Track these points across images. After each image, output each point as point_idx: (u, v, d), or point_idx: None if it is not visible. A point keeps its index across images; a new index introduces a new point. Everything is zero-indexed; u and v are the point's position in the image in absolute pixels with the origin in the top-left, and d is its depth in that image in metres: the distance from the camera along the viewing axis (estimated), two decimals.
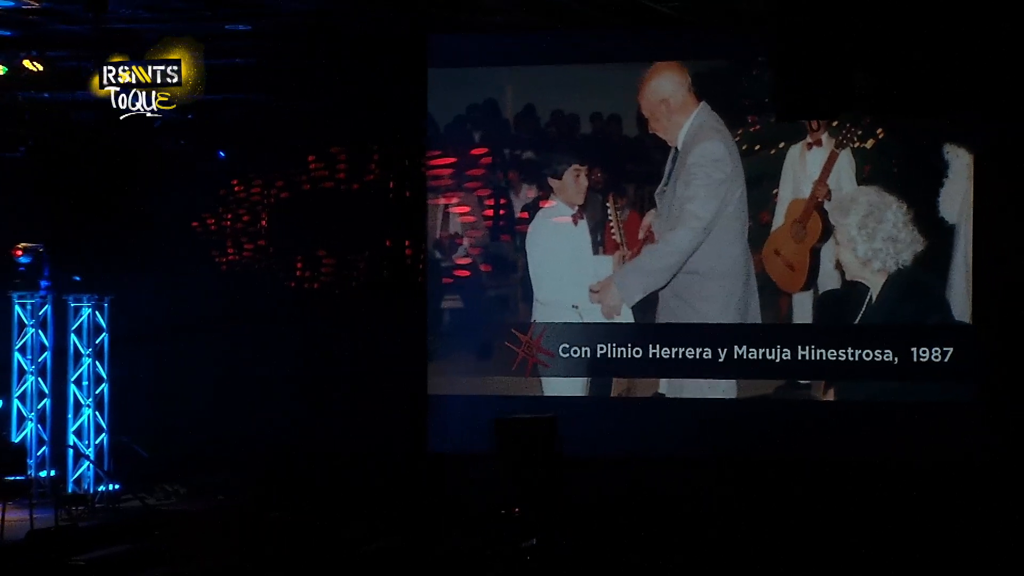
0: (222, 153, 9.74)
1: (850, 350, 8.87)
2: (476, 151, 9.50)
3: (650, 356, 9.15)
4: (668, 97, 9.14)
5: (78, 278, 9.21)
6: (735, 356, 9.03)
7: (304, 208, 9.67)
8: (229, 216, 9.84)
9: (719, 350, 9.04)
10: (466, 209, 9.52)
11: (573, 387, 9.29)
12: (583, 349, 9.26)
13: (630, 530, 7.83)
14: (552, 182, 9.41)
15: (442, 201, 9.53)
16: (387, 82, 9.26)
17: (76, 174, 9.38)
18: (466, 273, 9.53)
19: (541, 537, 7.46)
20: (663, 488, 8.60)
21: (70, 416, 9.16)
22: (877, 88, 6.27)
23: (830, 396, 8.98)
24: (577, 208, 9.36)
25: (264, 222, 9.80)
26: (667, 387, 9.20)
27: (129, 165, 9.55)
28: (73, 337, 9.17)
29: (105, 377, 9.22)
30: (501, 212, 9.48)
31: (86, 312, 9.18)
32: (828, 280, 8.95)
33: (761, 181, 9.03)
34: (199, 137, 9.56)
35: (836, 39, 5.98)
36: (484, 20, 8.96)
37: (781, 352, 8.98)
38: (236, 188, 9.81)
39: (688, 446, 8.95)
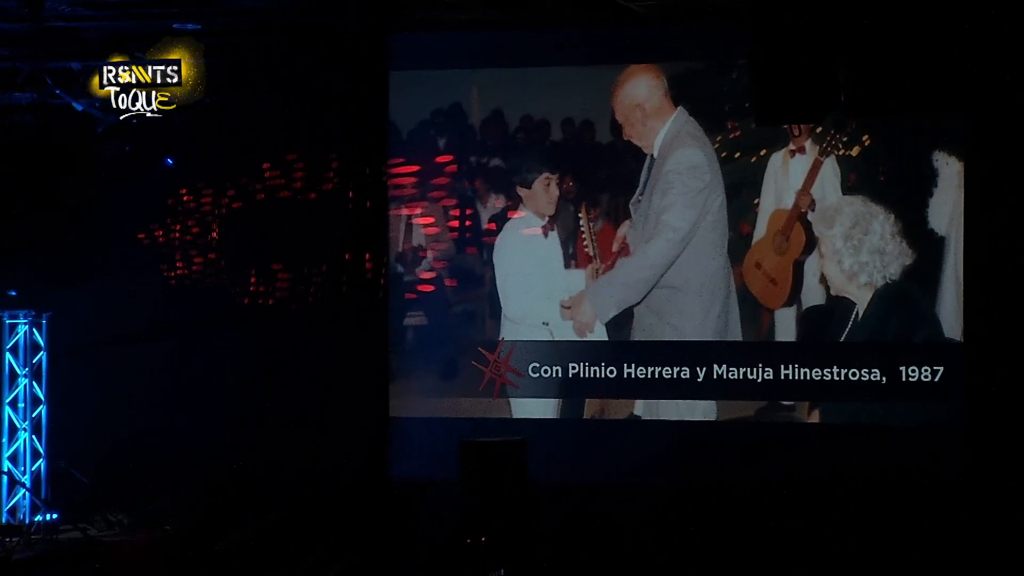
0: (170, 160, 9.72)
1: (835, 369, 8.90)
2: (441, 158, 9.50)
3: (625, 376, 9.17)
4: (643, 101, 9.17)
5: (14, 292, 9.15)
6: (714, 375, 9.05)
7: (258, 219, 9.64)
8: (177, 227, 9.81)
9: (697, 369, 9.06)
10: (430, 220, 9.53)
11: (544, 409, 9.30)
12: (554, 368, 9.27)
13: (604, 561, 7.85)
14: (521, 191, 9.43)
15: (405, 211, 9.53)
16: (346, 85, 9.26)
17: (11, 182, 9.37)
18: (430, 288, 9.53)
19: (509, 569, 7.43)
20: (639, 515, 8.59)
21: (4, 441, 9.11)
22: (862, 90, 6.27)
23: (815, 418, 9.00)
24: (547, 219, 9.38)
25: (215, 234, 9.79)
26: (643, 408, 9.21)
27: (70, 173, 9.56)
28: (8, 356, 9.10)
29: (43, 399, 9.17)
30: (467, 223, 9.48)
31: (22, 329, 9.13)
32: (812, 295, 8.97)
33: (741, 190, 9.05)
34: (145, 143, 9.55)
35: (817, 37, 6.01)
36: (448, 17, 8.97)
37: (763, 371, 9.00)
38: (185, 197, 9.80)
39: (665, 470, 8.96)
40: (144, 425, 9.50)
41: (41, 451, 9.14)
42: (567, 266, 9.36)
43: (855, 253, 8.89)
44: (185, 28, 9.03)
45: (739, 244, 9.08)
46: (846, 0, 6.17)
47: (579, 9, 8.88)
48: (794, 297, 9.00)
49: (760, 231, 9.07)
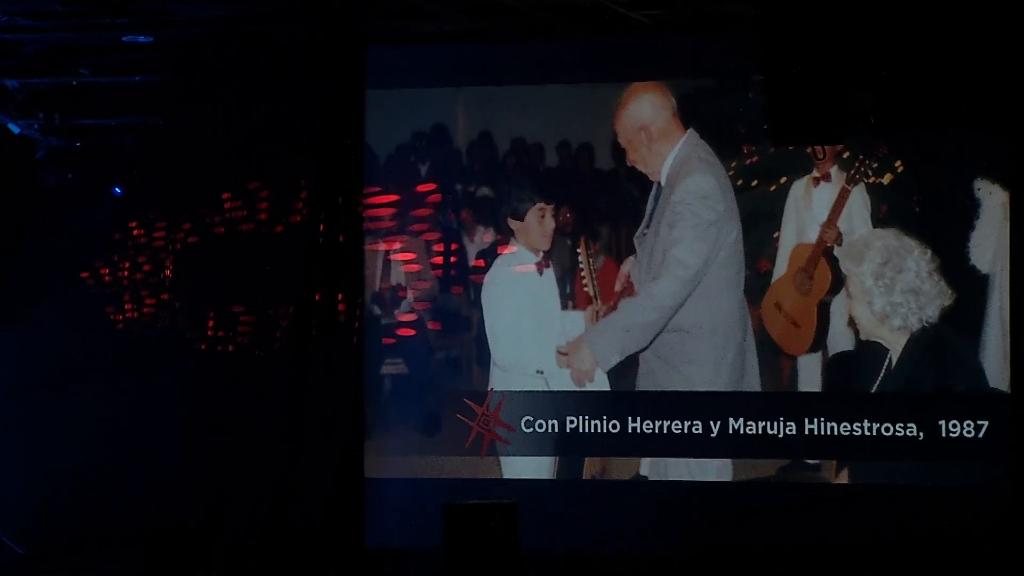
0: (118, 189, 9.73)
1: (866, 423, 8.88)
2: (422, 187, 9.51)
3: (629, 431, 9.15)
4: (648, 123, 9.17)
5: None
6: (730, 430, 9.02)
7: (217, 255, 9.62)
8: (126, 265, 9.80)
9: (711, 423, 9.04)
10: (411, 256, 9.53)
11: (538, 468, 9.27)
12: (549, 423, 9.25)
13: None
14: (512, 224, 9.42)
15: (382, 246, 9.53)
16: (316, 104, 9.27)
17: None
18: (410, 332, 9.52)
19: None
20: None
21: None
22: (890, 106, 6.30)
23: (843, 478, 8.98)
24: (542, 255, 9.37)
25: (168, 271, 9.77)
26: (649, 468, 9.18)
27: (5, 202, 9.58)
28: None
29: None
30: (452, 259, 9.49)
31: None
32: (839, 340, 8.96)
33: (759, 222, 9.06)
34: (90, 169, 9.59)
35: (839, 47, 6.06)
36: (430, 29, 8.99)
37: (784, 426, 8.98)
38: (135, 231, 9.78)
39: (675, 538, 8.93)
40: (85, 483, 9.46)
41: None
42: (564, 307, 9.34)
43: (887, 293, 8.87)
44: (136, 40, 9.05)
45: (757, 283, 9.08)
46: (870, 6, 6.21)
47: (576, 20, 8.90)
48: (819, 342, 8.98)
49: (780, 268, 9.06)
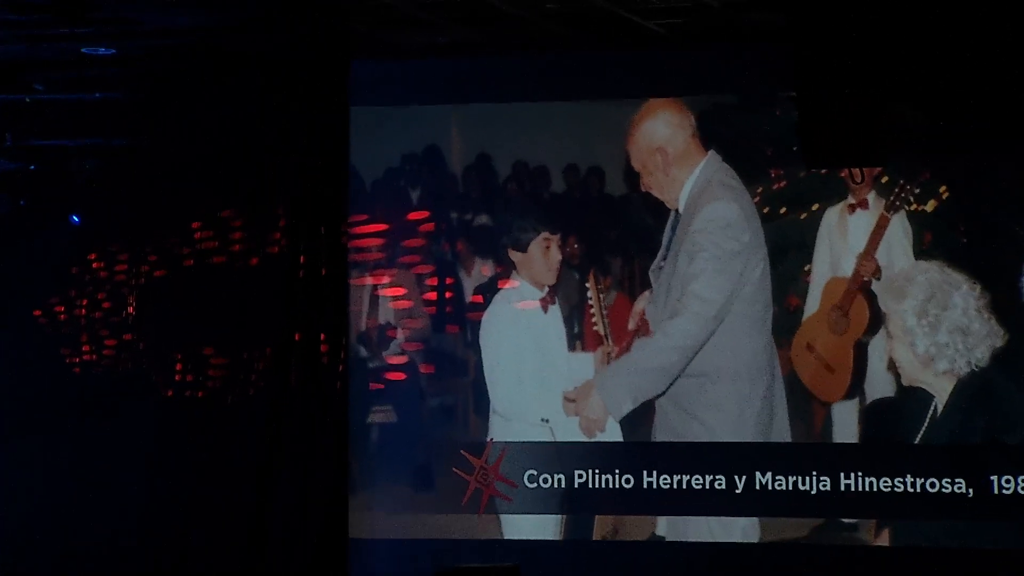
0: (76, 218, 9.71)
1: (909, 478, 8.83)
2: (414, 215, 9.51)
3: (644, 486, 9.09)
4: (665, 144, 9.13)
5: None
6: (756, 486, 8.98)
7: (185, 291, 9.60)
8: (84, 302, 9.77)
9: (735, 478, 8.99)
10: (401, 291, 9.52)
11: (543, 527, 9.24)
12: (555, 477, 9.20)
13: None
14: (514, 256, 9.38)
15: (369, 281, 9.53)
16: (295, 124, 9.27)
17: None
18: (400, 376, 9.50)
19: None
20: None
21: None
22: (935, 125, 6.26)
23: (883, 539, 8.93)
24: (547, 290, 9.32)
25: (131, 309, 9.74)
26: (667, 527, 9.14)
27: None
28: None
29: None
30: (447, 295, 9.46)
31: None
32: (878, 385, 8.93)
33: (788, 254, 9.04)
34: (45, 196, 9.59)
35: (878, 57, 6.04)
36: (422, 40, 8.99)
37: (818, 480, 8.93)
38: (94, 264, 9.78)
39: None
40: (35, 542, 9.46)
41: None
42: (571, 348, 9.32)
43: (932, 333, 8.81)
44: (96, 53, 9.04)
45: (786, 321, 9.04)
46: (913, 13, 6.20)
47: (585, 30, 8.89)
48: (856, 387, 8.94)
49: (812, 305, 9.03)
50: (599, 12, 8.48)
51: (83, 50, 8.97)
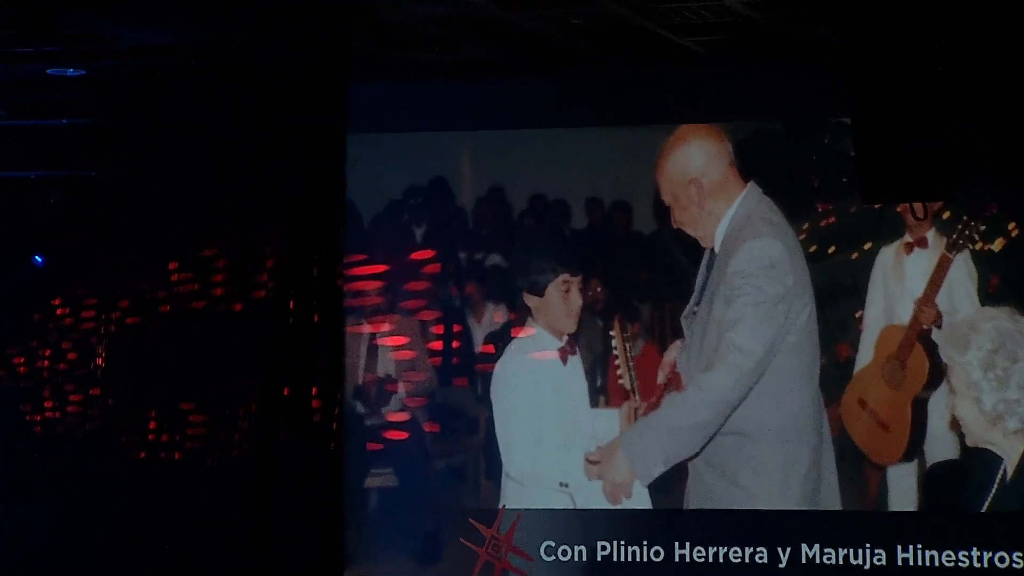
0: (39, 258, 9.77)
1: (974, 551, 8.77)
2: (418, 254, 9.52)
3: (676, 559, 9.04)
4: (699, 175, 9.03)
5: None
6: (803, 558, 8.91)
7: (161, 340, 9.60)
8: (47, 352, 9.81)
9: (778, 550, 8.92)
10: (403, 340, 9.52)
11: None
12: (576, 549, 9.15)
13: None
14: (530, 300, 9.29)
15: (367, 328, 9.54)
16: (285, 153, 9.28)
17: None
18: (402, 435, 9.49)
19: None
20: None
21: None
22: (1005, 154, 6.21)
23: None
24: (567, 339, 9.24)
25: (100, 360, 9.74)
26: None
27: None
28: None
29: None
30: (454, 344, 9.47)
31: None
32: (940, 445, 8.89)
33: (838, 298, 8.99)
34: (4, 234, 9.66)
35: (941, 78, 6.07)
36: (427, 59, 9.02)
37: (872, 553, 8.86)
38: (59, 310, 9.80)
39: None
40: None
41: None
42: (594, 404, 9.28)
43: (1000, 388, 8.53)
44: (64, 74, 9.09)
45: (836, 374, 8.98)
46: (981, 30, 6.22)
47: (611, 47, 8.91)
48: (914, 448, 8.91)
49: (865, 356, 8.98)
50: (629, 28, 8.47)
51: (49, 71, 9.02)
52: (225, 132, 9.29)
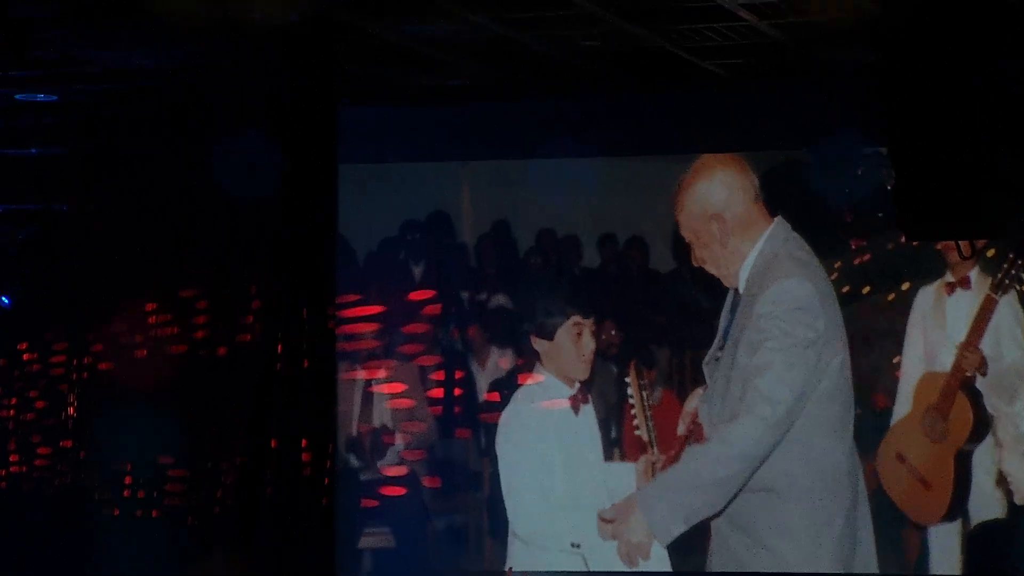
0: (5, 299, 9.76)
1: None
2: (416, 295, 9.53)
3: None
4: (722, 210, 8.96)
5: None
6: None
7: (137, 387, 9.52)
8: (13, 401, 9.79)
9: None
10: (400, 387, 9.53)
11: None
12: None
13: None
14: (539, 344, 9.24)
15: (362, 375, 9.56)
16: (271, 185, 9.11)
17: None
18: (400, 491, 9.50)
19: None
20: None
21: None
22: None
23: None
24: (579, 386, 9.20)
25: (71, 410, 9.70)
26: None
27: None
28: None
29: None
30: (456, 392, 9.48)
31: None
32: (985, 504, 8.84)
33: (873, 343, 8.96)
34: None
35: (988, 105, 6.09)
36: (426, 82, 9.04)
37: None
38: (25, 356, 9.79)
39: None
40: None
41: None
42: (608, 457, 9.25)
43: None
44: (35, 99, 9.11)
45: (871, 425, 8.93)
46: None
47: (626, 70, 8.90)
48: (957, 507, 8.83)
49: (904, 406, 8.94)
50: (645, 50, 8.46)
51: (17, 96, 9.04)
52: (206, 163, 9.20)
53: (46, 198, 9.53)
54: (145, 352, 9.58)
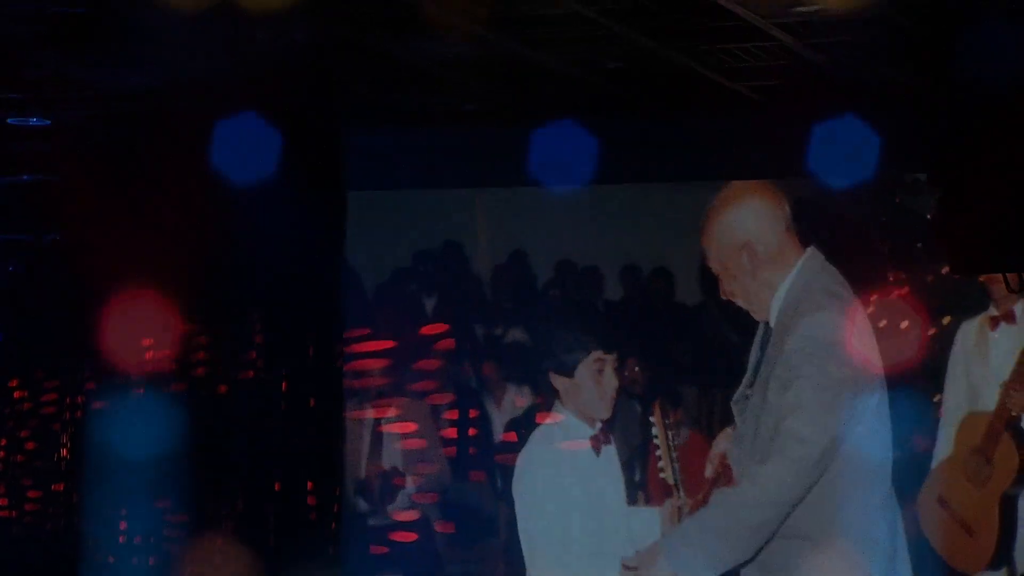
0: None
1: None
2: (428, 329, 9.67)
3: None
4: (752, 240, 8.81)
5: None
6: None
7: (132, 427, 9.45)
8: (2, 442, 9.81)
9: None
10: (411, 427, 9.55)
11: None
12: None
13: None
14: (558, 381, 8.98)
15: (371, 414, 9.62)
16: (274, 212, 9.19)
17: None
18: (411, 537, 9.54)
19: None
20: None
21: None
22: None
23: None
24: (600, 426, 8.93)
25: (65, 451, 9.71)
26: None
27: None
28: None
29: None
30: (470, 432, 9.65)
31: None
32: None
33: (913, 380, 8.98)
34: None
35: None
36: (437, 103, 9.05)
37: None
38: (16, 393, 9.81)
39: None
40: None
41: None
42: (632, 501, 9.16)
43: None
44: (27, 124, 9.21)
45: (911, 468, 8.76)
46: None
47: (650, 92, 8.94)
48: (1003, 555, 8.70)
49: (945, 448, 8.86)
50: (672, 71, 8.49)
51: (9, 120, 9.12)
52: (205, 187, 9.24)
53: (38, 227, 9.59)
54: (142, 389, 9.52)
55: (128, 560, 9.54)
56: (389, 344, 9.54)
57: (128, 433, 9.58)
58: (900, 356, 8.95)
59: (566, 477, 9.04)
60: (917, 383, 9.00)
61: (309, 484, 9.33)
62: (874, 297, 8.98)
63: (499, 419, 9.55)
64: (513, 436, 9.45)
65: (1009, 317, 8.72)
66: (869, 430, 8.69)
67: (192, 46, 8.18)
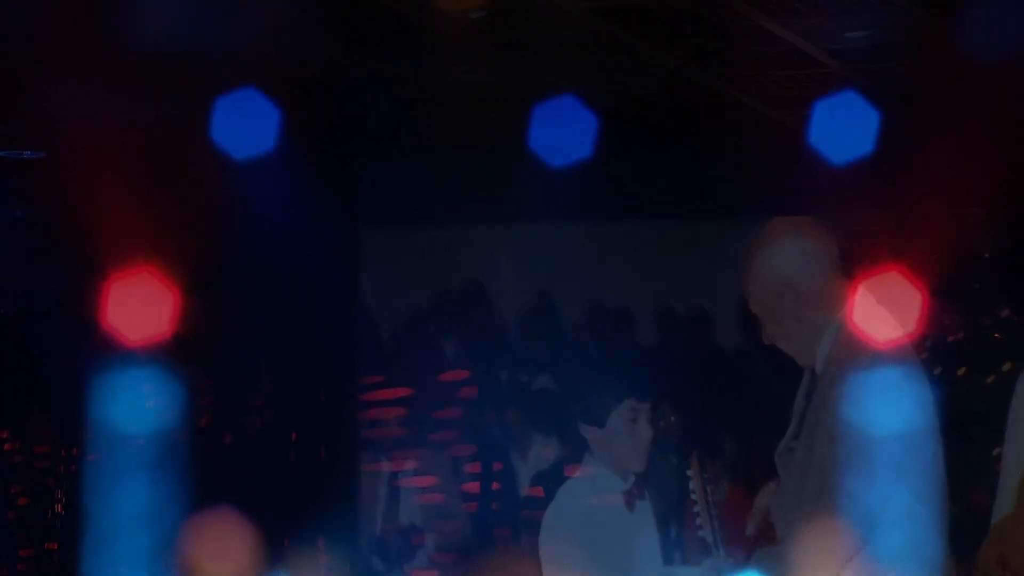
0: None
1: None
2: (448, 375, 9.60)
3: None
4: (796, 279, 8.73)
5: None
6: None
7: (131, 479, 9.36)
8: None
9: None
10: (431, 481, 9.54)
11: None
12: None
13: None
14: (588, 432, 8.89)
15: (387, 466, 9.56)
16: (283, 252, 9.24)
17: None
18: None
19: None
20: None
21: None
22: None
23: None
24: (633, 479, 8.88)
25: (59, 507, 9.68)
26: None
27: None
28: None
29: None
30: (494, 486, 9.55)
31: None
32: None
33: (970, 432, 8.95)
34: None
35: None
36: (460, 137, 9.09)
37: None
38: (7, 445, 9.78)
39: None
40: None
41: None
42: (668, 561, 9.08)
43: None
44: (20, 157, 9.23)
45: (968, 525, 8.64)
46: None
47: (684, 122, 8.96)
48: None
49: (1006, 503, 8.61)
50: (710, 99, 8.50)
51: (2, 153, 9.16)
52: (214, 222, 9.23)
53: (30, 266, 9.57)
54: (141, 440, 9.44)
55: None
56: (406, 392, 9.53)
57: (126, 484, 9.53)
58: (956, 405, 8.86)
59: (597, 534, 8.82)
60: (974, 433, 8.91)
61: (321, 541, 9.30)
62: (928, 342, 8.86)
63: (525, 472, 9.50)
64: (540, 490, 9.33)
65: None
66: (922, 484, 8.68)
67: (197, 71, 8.16)
